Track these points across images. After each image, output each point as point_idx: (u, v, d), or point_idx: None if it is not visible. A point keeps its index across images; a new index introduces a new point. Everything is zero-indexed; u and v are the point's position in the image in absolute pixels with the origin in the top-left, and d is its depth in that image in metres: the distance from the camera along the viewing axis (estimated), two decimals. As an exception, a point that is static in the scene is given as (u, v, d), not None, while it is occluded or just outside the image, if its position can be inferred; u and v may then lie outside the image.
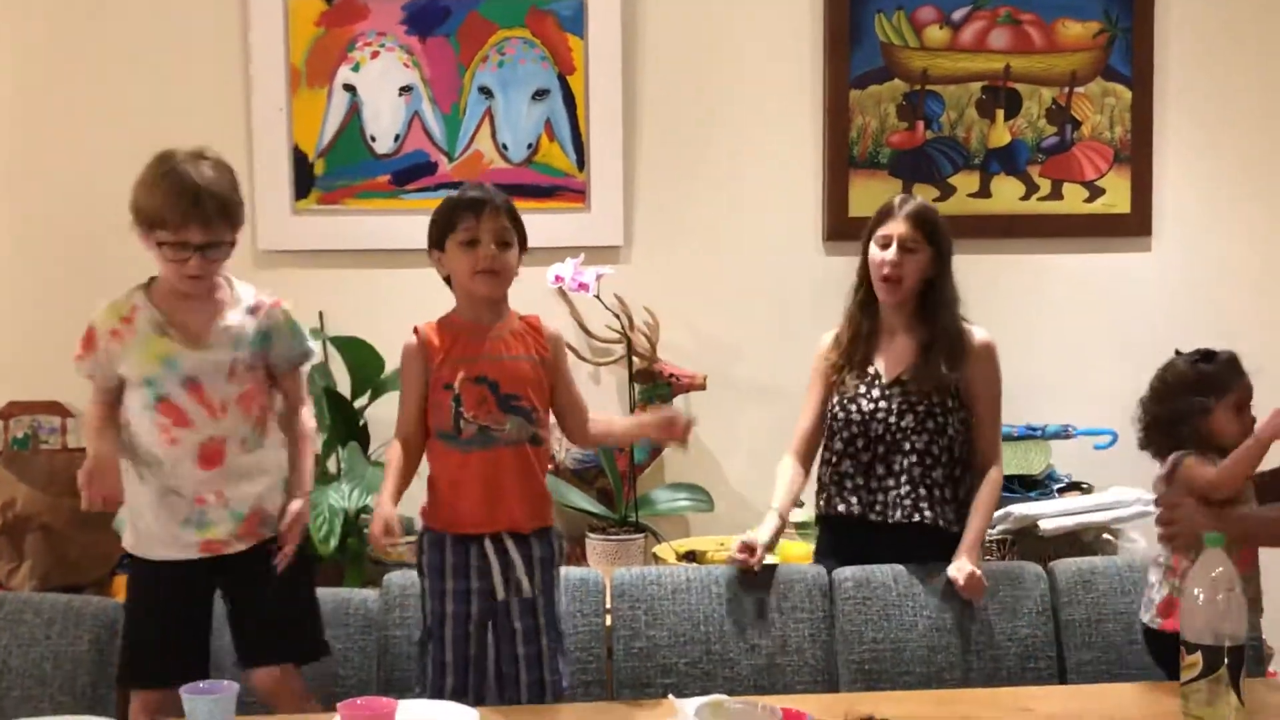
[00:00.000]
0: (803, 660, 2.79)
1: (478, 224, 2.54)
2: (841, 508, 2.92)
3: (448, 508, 2.58)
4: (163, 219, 2.44)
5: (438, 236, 2.60)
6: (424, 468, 2.65)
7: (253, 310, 2.58)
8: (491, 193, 2.60)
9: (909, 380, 2.90)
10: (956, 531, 2.88)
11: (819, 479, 3.00)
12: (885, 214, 2.92)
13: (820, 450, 3.01)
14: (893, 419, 2.89)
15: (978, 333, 2.97)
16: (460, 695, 2.52)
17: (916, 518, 2.87)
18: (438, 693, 2.53)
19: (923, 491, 2.87)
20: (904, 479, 2.88)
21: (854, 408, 2.91)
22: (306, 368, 2.72)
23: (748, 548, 2.84)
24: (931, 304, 2.93)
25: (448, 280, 2.63)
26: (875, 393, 2.91)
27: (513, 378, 2.56)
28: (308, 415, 2.70)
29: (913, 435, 2.89)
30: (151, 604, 2.57)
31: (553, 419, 2.69)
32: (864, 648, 2.79)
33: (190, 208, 2.44)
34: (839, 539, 2.97)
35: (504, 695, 2.56)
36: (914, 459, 2.89)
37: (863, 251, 2.96)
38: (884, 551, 2.90)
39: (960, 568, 2.81)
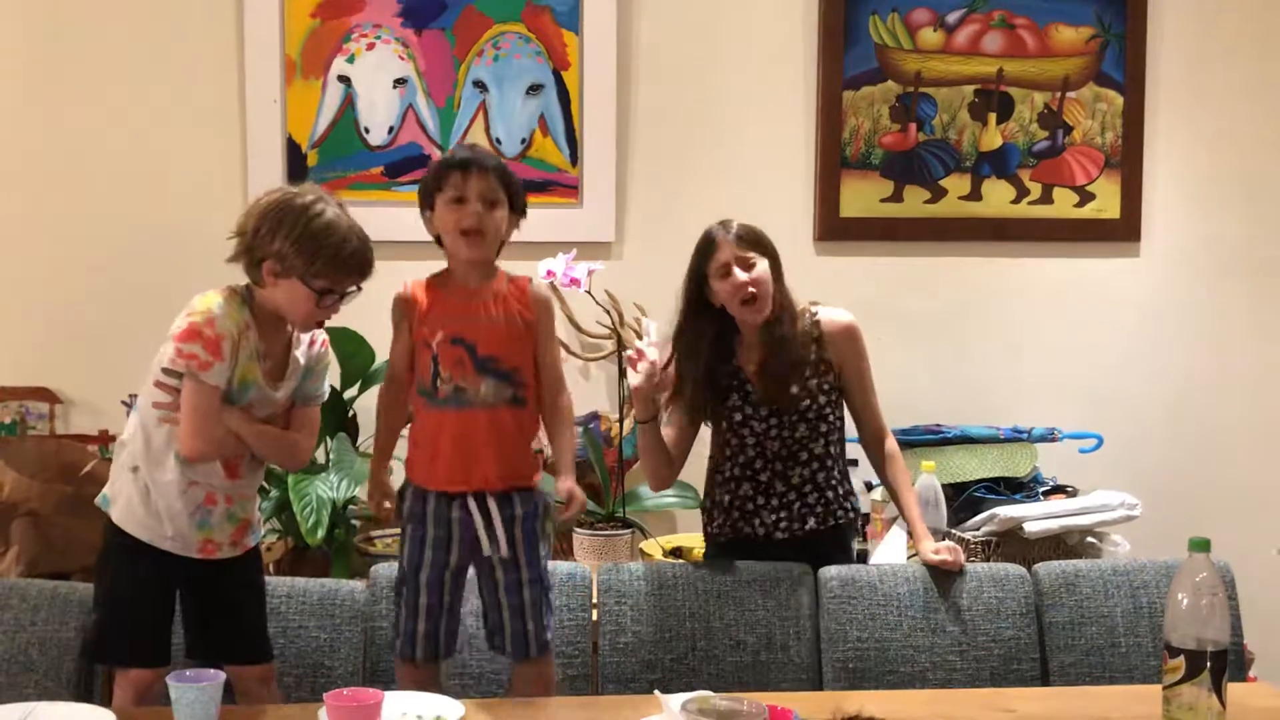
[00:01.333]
0: (787, 658, 2.80)
1: (464, 183, 2.54)
2: (749, 530, 2.94)
3: (426, 464, 2.61)
4: (325, 273, 2.46)
5: (428, 195, 2.59)
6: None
7: (310, 344, 2.63)
8: (481, 153, 2.61)
9: (779, 394, 2.88)
10: (839, 523, 2.96)
11: (715, 503, 3.00)
12: (710, 245, 2.87)
13: (710, 473, 3.02)
14: (786, 432, 2.90)
15: (836, 315, 2.96)
16: (431, 640, 2.59)
17: (831, 521, 2.94)
18: (409, 637, 2.58)
19: (830, 494, 2.94)
20: (808, 488, 2.92)
21: (746, 431, 2.91)
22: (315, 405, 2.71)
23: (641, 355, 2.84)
24: (778, 316, 2.89)
25: (438, 240, 2.63)
26: (764, 411, 2.90)
27: (491, 339, 2.56)
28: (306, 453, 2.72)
29: (809, 443, 2.91)
30: (140, 583, 2.56)
31: None
32: (848, 646, 2.81)
33: (354, 266, 2.50)
34: (730, 547, 2.99)
35: (492, 642, 2.63)
36: (814, 466, 2.93)
37: (690, 288, 2.90)
38: (774, 555, 2.93)
39: (932, 549, 2.87)
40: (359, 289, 2.54)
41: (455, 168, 2.56)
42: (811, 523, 2.93)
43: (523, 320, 2.60)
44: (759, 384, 2.91)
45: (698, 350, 2.90)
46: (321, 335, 2.66)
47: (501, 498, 2.59)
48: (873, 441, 3.01)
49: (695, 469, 3.65)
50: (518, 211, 2.62)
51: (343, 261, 2.47)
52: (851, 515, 3.01)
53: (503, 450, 2.58)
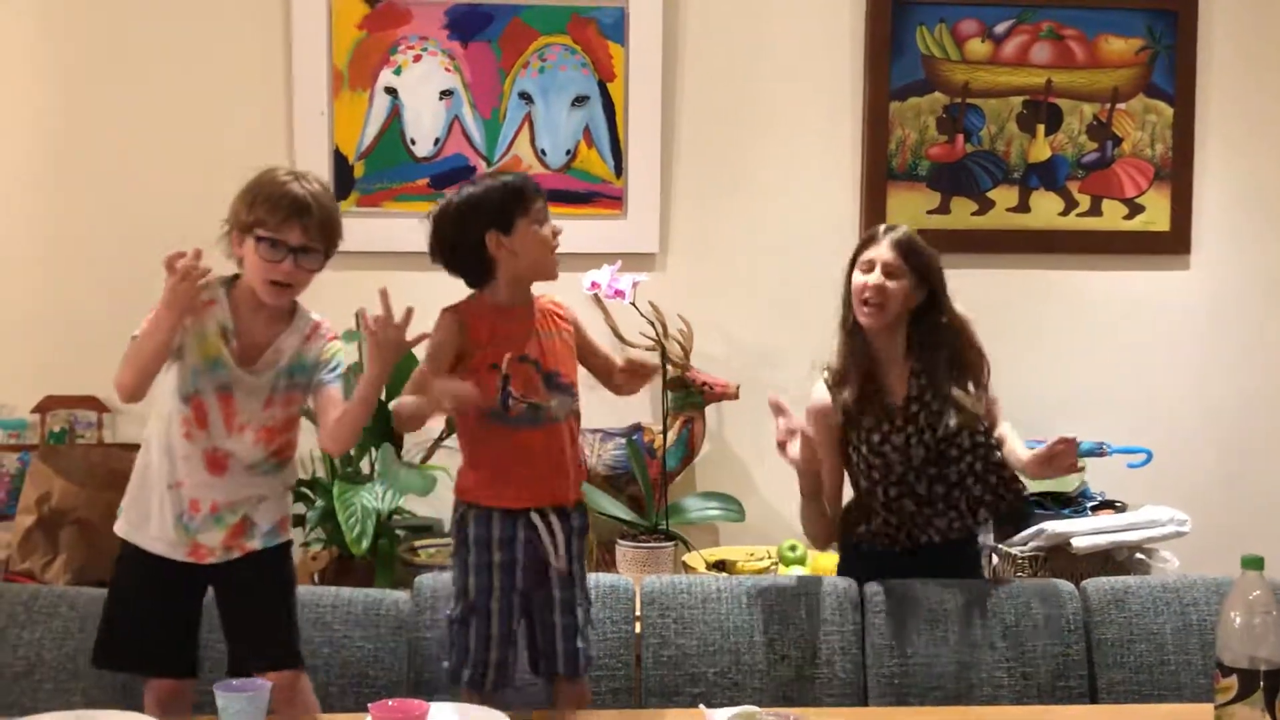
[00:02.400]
0: (832, 673, 2.78)
1: (545, 205, 2.59)
2: (923, 539, 2.88)
3: (497, 485, 2.57)
4: (264, 219, 2.46)
5: (504, 219, 2.55)
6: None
7: (307, 336, 2.58)
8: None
9: (917, 401, 2.85)
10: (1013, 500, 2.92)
11: (870, 526, 2.92)
12: (870, 239, 2.89)
13: (859, 489, 2.95)
14: (928, 435, 2.84)
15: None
16: (500, 667, 2.53)
17: (1003, 506, 2.91)
18: (478, 665, 2.52)
19: (992, 479, 2.88)
20: (970, 480, 2.86)
21: (887, 447, 2.85)
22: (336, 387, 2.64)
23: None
24: (919, 335, 2.87)
25: (490, 264, 2.58)
26: (899, 420, 2.85)
27: (552, 355, 2.59)
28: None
29: (956, 439, 2.84)
30: (134, 589, 2.56)
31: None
32: (894, 662, 2.78)
33: (294, 208, 2.47)
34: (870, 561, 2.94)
35: (536, 667, 2.59)
36: (969, 460, 2.86)
37: (846, 280, 2.90)
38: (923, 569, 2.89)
39: (1042, 447, 2.79)
40: (320, 251, 2.50)
41: (535, 192, 2.59)
42: (983, 512, 2.89)
43: (566, 334, 2.64)
44: (905, 387, 2.87)
45: (856, 353, 2.89)
46: (318, 326, 2.61)
47: (562, 512, 2.58)
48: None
49: (732, 478, 3.67)
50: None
51: (275, 200, 2.46)
52: (1017, 498, 2.93)
53: (571, 462, 2.60)
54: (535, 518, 2.55)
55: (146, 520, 2.54)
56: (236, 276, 2.56)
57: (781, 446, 2.79)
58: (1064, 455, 2.76)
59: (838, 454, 2.92)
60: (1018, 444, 2.90)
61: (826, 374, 2.92)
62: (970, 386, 2.87)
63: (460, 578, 2.58)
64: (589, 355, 2.71)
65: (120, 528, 2.58)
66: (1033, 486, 3.36)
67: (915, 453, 2.85)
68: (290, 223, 2.47)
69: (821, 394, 2.91)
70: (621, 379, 2.73)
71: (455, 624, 2.58)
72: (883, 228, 2.91)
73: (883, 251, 2.85)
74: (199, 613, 2.60)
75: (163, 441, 2.53)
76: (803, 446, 2.78)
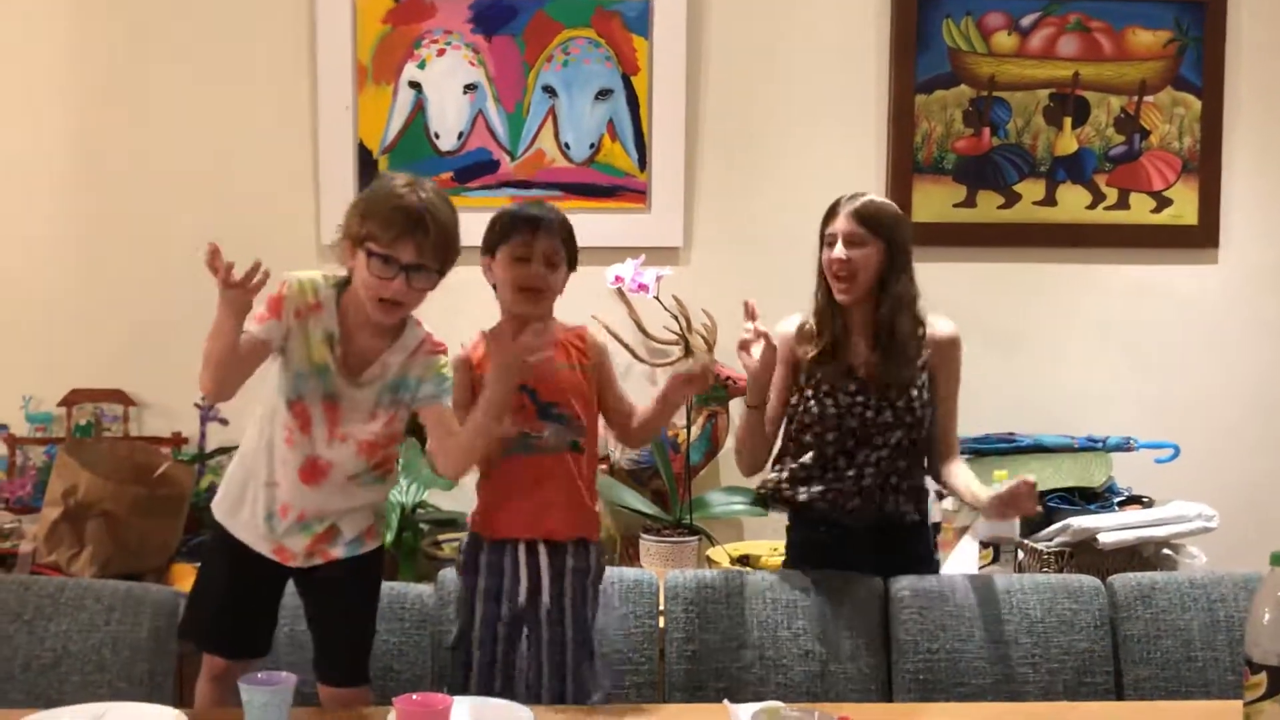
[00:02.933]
0: (857, 669, 2.77)
1: (532, 241, 2.55)
2: (803, 497, 2.90)
3: (490, 513, 2.60)
4: (376, 233, 2.37)
5: (491, 244, 2.61)
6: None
7: (413, 351, 2.51)
8: (549, 212, 2.61)
9: (875, 378, 2.88)
10: (914, 521, 2.94)
11: (779, 466, 2.98)
12: (832, 212, 2.92)
13: (788, 437, 2.99)
14: (869, 414, 2.87)
15: (942, 326, 2.95)
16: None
17: (916, 513, 2.93)
18: (462, 695, 2.51)
19: (893, 481, 2.90)
20: (869, 471, 2.88)
21: (829, 402, 2.88)
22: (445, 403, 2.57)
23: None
24: (882, 300, 2.89)
25: (494, 286, 2.64)
26: (852, 387, 2.88)
27: (552, 386, 2.57)
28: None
29: (887, 431, 2.87)
30: (219, 571, 2.57)
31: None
32: (919, 658, 2.77)
33: (411, 224, 2.37)
34: (806, 540, 2.96)
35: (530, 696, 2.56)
36: (884, 453, 2.88)
37: (819, 253, 2.94)
38: (851, 549, 2.89)
39: (1002, 488, 2.77)
40: (434, 270, 2.41)
41: (525, 225, 2.56)
42: (891, 505, 2.90)
43: (581, 367, 2.62)
44: (866, 364, 2.89)
45: (829, 321, 2.92)
46: (425, 340, 2.52)
47: (555, 549, 2.57)
48: (945, 455, 2.97)
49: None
50: (572, 267, 2.65)
51: (389, 214, 2.36)
52: (915, 520, 2.96)
53: (569, 496, 2.57)
54: (521, 550, 2.55)
55: (238, 509, 2.53)
56: (348, 281, 2.48)
57: (744, 347, 2.84)
58: (1023, 498, 2.73)
59: (784, 383, 2.96)
60: (973, 482, 2.91)
61: (803, 320, 2.96)
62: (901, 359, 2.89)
63: (458, 604, 2.64)
64: (605, 392, 2.66)
65: (215, 508, 2.58)
66: (1058, 481, 3.36)
67: (847, 422, 2.87)
68: (404, 240, 2.36)
69: (790, 326, 2.98)
70: (620, 425, 2.68)
71: (451, 649, 2.63)
72: (843, 198, 2.92)
73: (842, 224, 2.87)
74: (278, 600, 2.60)
75: (265, 438, 2.50)
76: (764, 351, 2.81)
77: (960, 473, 2.95)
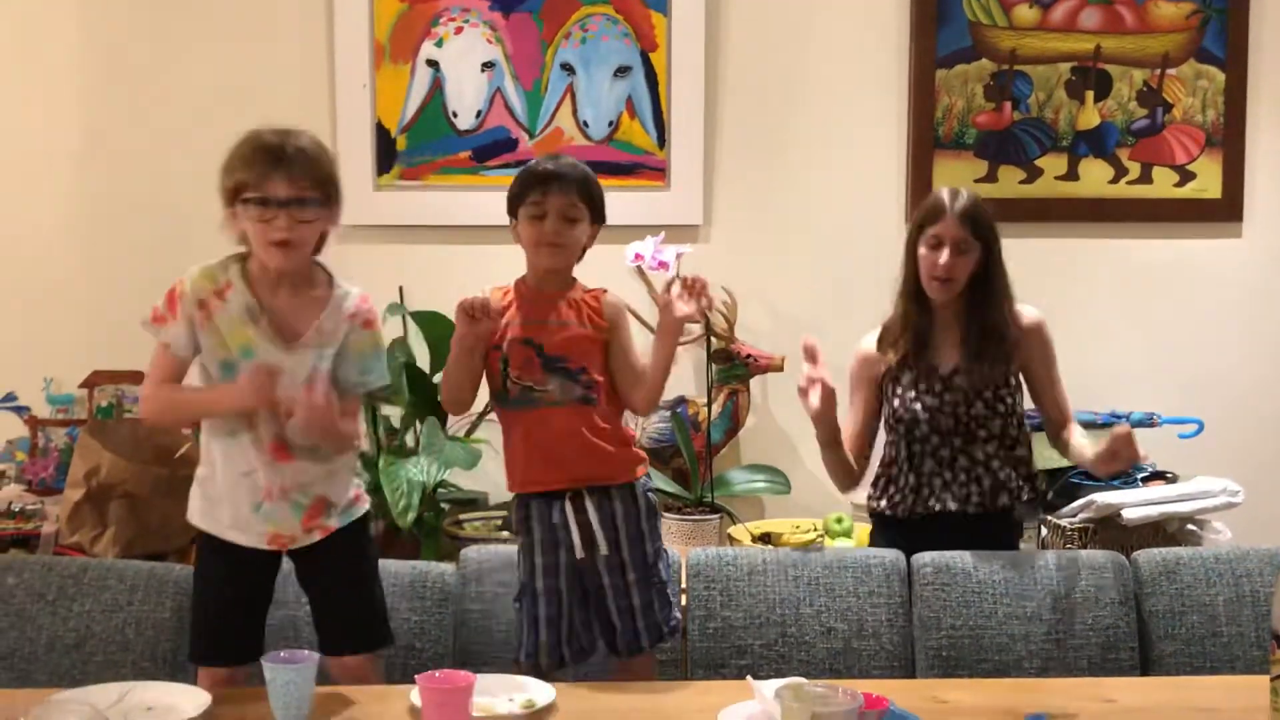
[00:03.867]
0: (879, 645, 2.77)
1: (544, 199, 2.56)
2: (938, 506, 2.89)
3: (517, 470, 2.63)
4: (244, 179, 2.33)
5: (512, 205, 2.63)
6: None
7: (350, 316, 2.47)
8: (564, 167, 2.60)
9: (966, 372, 2.88)
10: (1033, 497, 2.95)
11: (891, 480, 2.96)
12: (936, 213, 2.87)
13: (886, 454, 2.98)
14: (961, 409, 2.87)
15: (1028, 312, 2.97)
16: (555, 650, 2.56)
17: (1024, 496, 2.92)
18: (534, 649, 2.56)
19: (1010, 470, 2.89)
20: (995, 463, 2.88)
21: (918, 406, 2.88)
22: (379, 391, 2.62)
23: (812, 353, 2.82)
24: (981, 296, 2.89)
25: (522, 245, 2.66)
26: (938, 386, 2.89)
27: (560, 341, 2.58)
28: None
29: (988, 422, 2.88)
30: (218, 584, 2.54)
31: None
32: (942, 634, 2.76)
33: (272, 159, 2.33)
34: (913, 535, 2.92)
35: (613, 647, 2.62)
36: (994, 445, 2.88)
37: (909, 247, 2.91)
38: (957, 542, 2.88)
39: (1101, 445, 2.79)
40: (315, 200, 2.36)
41: (536, 184, 2.57)
42: (1004, 498, 2.90)
43: (593, 325, 2.62)
44: (957, 356, 2.90)
45: (916, 320, 2.92)
46: (360, 308, 2.47)
47: (600, 494, 2.59)
48: (1061, 425, 2.99)
49: (778, 450, 3.65)
50: (598, 221, 2.65)
51: (249, 155, 2.33)
52: (1033, 496, 2.97)
53: (582, 447, 2.57)
54: (567, 504, 2.57)
55: (217, 509, 2.50)
56: (248, 255, 2.45)
57: (803, 393, 2.82)
58: (1126, 448, 2.73)
59: (871, 402, 2.97)
60: (1085, 444, 2.92)
61: (881, 330, 2.96)
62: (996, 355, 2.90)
63: (517, 559, 2.64)
64: (615, 354, 2.65)
65: (194, 518, 2.54)
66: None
67: (944, 421, 2.87)
68: (271, 175, 2.33)
69: (870, 343, 2.97)
70: (626, 389, 2.66)
71: (516, 605, 2.64)
72: (946, 197, 2.88)
73: (952, 227, 2.85)
74: (270, 595, 2.58)
75: (229, 431, 2.45)
76: (823, 396, 2.78)
77: (1074, 437, 2.97)
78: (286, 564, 2.57)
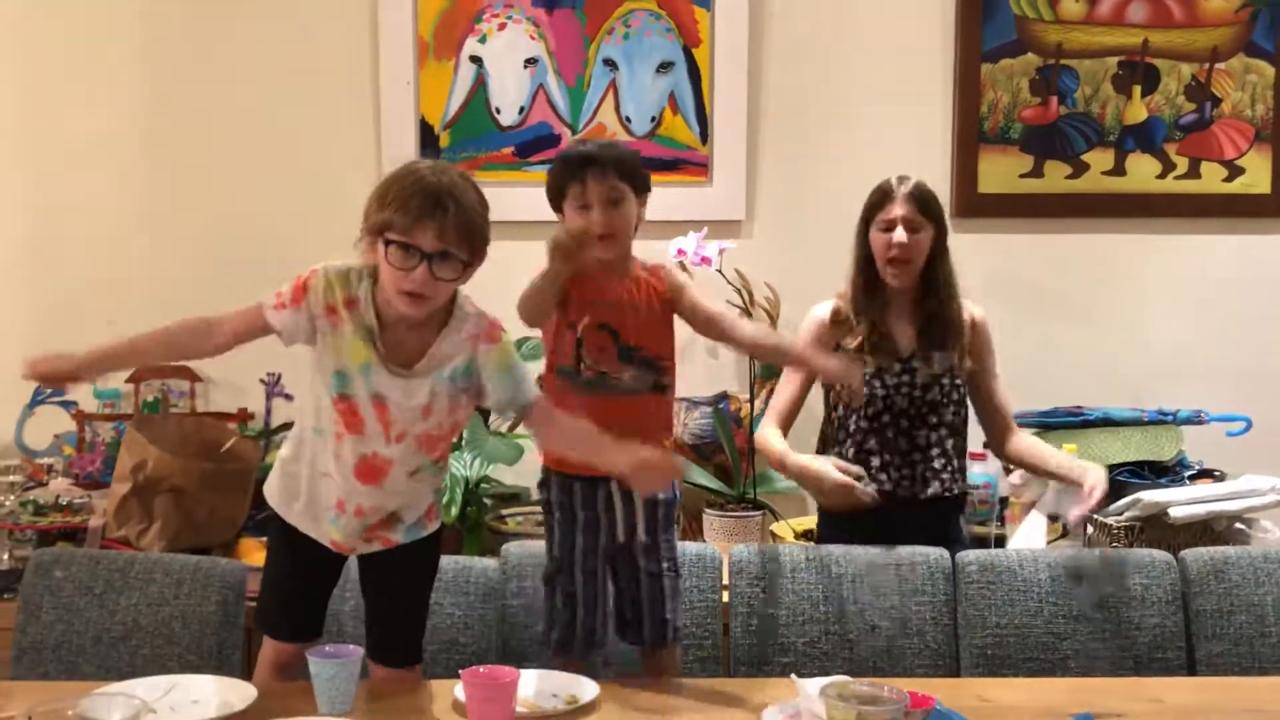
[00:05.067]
0: (924, 643, 2.75)
1: (584, 188, 2.51)
2: (872, 486, 2.87)
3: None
4: (392, 219, 2.19)
5: (554, 201, 2.59)
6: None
7: (474, 335, 2.35)
8: (596, 149, 2.55)
9: (924, 358, 2.89)
10: (959, 494, 2.95)
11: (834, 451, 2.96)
12: (885, 196, 2.89)
13: (832, 429, 2.99)
14: (917, 393, 2.88)
15: (971, 307, 2.97)
16: (587, 629, 2.55)
17: (955, 490, 2.92)
18: (565, 626, 2.54)
19: (956, 463, 2.92)
20: (935, 452, 2.89)
21: (877, 384, 2.88)
22: (530, 408, 2.45)
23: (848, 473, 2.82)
24: (933, 284, 2.90)
25: None
26: (896, 367, 2.89)
27: (635, 327, 2.55)
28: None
29: (940, 409, 2.89)
30: (284, 563, 2.53)
31: None
32: (987, 632, 2.75)
33: (428, 206, 2.18)
34: (850, 520, 2.92)
35: (624, 634, 2.60)
36: (944, 431, 2.90)
37: (859, 238, 2.93)
38: (903, 527, 2.87)
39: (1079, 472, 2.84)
40: (459, 259, 2.23)
41: (575, 174, 2.52)
42: (935, 487, 2.90)
43: (661, 304, 2.58)
44: (914, 341, 2.91)
45: (870, 306, 2.91)
46: (480, 327, 2.35)
47: None
48: (1006, 430, 3.02)
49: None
50: (644, 191, 2.58)
51: (406, 198, 2.18)
52: (964, 492, 2.99)
53: (644, 437, 2.52)
54: (614, 487, 2.55)
55: (291, 500, 2.46)
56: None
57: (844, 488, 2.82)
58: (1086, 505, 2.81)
59: (809, 372, 2.94)
60: (1045, 450, 2.99)
61: (838, 302, 2.95)
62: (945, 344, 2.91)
63: (548, 538, 2.62)
64: (694, 320, 2.62)
65: (269, 494, 2.51)
66: (1128, 455, 3.32)
67: (898, 400, 2.88)
68: (424, 223, 2.18)
69: (824, 313, 2.97)
70: (721, 330, 2.65)
71: (545, 585, 2.61)
72: (895, 180, 2.91)
73: (901, 208, 2.86)
74: (335, 581, 2.55)
75: (316, 426, 2.38)
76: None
77: (1027, 442, 3.00)
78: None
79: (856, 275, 2.94)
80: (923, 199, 2.88)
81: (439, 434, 2.38)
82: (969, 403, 2.98)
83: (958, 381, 2.92)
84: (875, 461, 2.90)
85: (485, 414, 3.38)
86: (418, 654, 2.54)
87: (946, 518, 2.96)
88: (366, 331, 2.29)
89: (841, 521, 2.93)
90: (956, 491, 2.95)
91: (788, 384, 3.01)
